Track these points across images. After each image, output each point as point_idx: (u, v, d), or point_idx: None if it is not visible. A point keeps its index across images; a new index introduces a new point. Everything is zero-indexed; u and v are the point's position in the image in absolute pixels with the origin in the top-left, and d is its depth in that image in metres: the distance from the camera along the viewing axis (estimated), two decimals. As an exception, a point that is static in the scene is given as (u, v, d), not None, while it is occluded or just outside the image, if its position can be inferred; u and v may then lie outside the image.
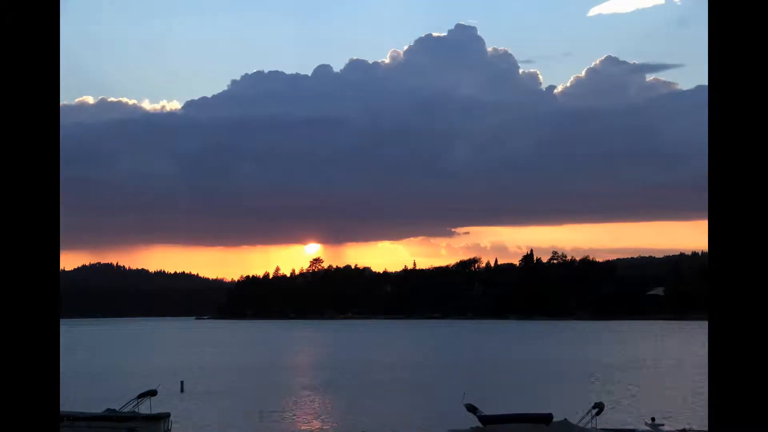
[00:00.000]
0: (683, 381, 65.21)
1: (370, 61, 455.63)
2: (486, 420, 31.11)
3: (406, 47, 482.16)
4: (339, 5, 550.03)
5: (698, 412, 42.62)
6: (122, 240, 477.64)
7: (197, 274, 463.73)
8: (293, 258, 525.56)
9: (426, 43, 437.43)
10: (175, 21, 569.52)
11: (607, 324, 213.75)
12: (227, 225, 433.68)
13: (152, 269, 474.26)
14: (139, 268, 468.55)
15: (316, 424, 43.32)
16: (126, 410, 36.46)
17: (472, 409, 32.16)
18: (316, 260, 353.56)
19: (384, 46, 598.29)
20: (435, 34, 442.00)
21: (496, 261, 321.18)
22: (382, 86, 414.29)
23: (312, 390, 60.82)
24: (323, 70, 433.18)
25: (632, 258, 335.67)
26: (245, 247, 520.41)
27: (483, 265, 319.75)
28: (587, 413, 31.90)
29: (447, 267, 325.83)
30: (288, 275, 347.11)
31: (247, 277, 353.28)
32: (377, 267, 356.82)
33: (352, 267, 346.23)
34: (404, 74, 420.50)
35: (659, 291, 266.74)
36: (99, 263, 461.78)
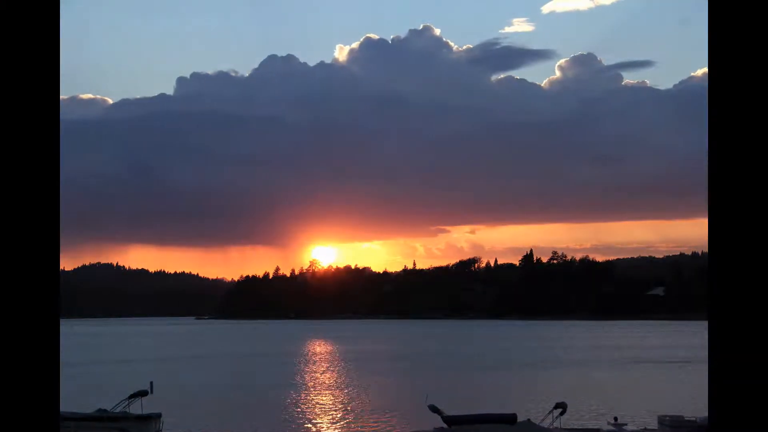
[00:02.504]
0: (655, 380, 65.62)
1: (342, 61, 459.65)
2: (450, 420, 30.66)
3: (358, 44, 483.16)
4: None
5: (657, 411, 41.62)
6: (122, 240, 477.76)
7: (197, 274, 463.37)
8: (293, 258, 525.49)
9: (388, 43, 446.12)
10: (125, 19, 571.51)
11: (606, 324, 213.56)
12: (227, 225, 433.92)
13: (152, 269, 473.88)
14: (139, 268, 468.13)
15: (286, 424, 43.44)
16: (117, 410, 36.25)
17: (435, 410, 31.80)
18: (316, 260, 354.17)
19: (345, 44, 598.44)
20: (394, 35, 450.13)
21: (496, 261, 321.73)
22: (352, 86, 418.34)
23: (291, 390, 60.51)
24: (272, 65, 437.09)
25: (632, 258, 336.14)
26: (245, 247, 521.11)
27: (483, 265, 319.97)
28: (549, 413, 31.83)
29: (447, 267, 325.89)
30: (288, 275, 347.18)
31: (247, 277, 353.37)
32: (376, 267, 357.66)
33: (352, 267, 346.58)
34: (370, 74, 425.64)
35: (659, 291, 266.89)
36: (99, 263, 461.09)
